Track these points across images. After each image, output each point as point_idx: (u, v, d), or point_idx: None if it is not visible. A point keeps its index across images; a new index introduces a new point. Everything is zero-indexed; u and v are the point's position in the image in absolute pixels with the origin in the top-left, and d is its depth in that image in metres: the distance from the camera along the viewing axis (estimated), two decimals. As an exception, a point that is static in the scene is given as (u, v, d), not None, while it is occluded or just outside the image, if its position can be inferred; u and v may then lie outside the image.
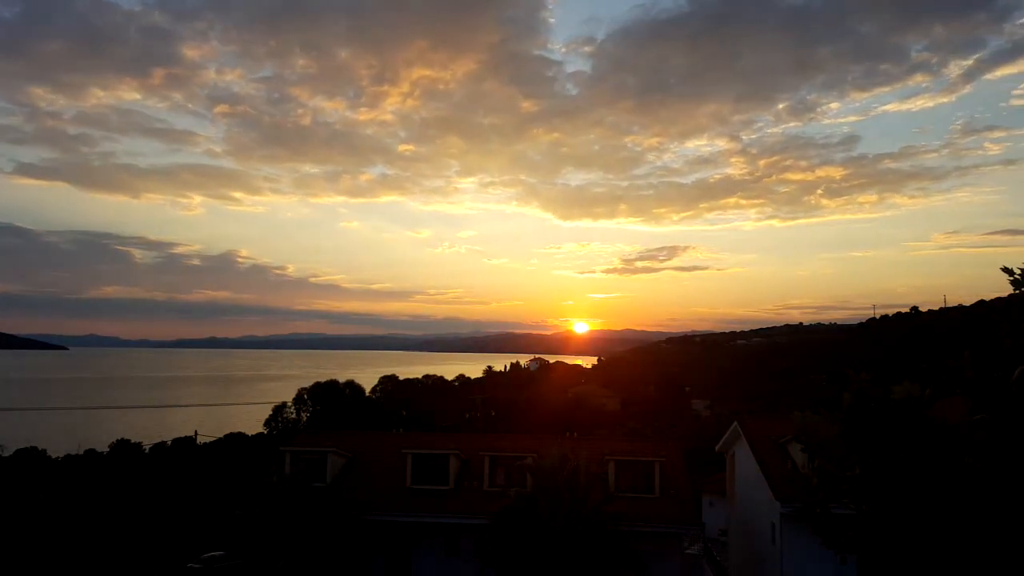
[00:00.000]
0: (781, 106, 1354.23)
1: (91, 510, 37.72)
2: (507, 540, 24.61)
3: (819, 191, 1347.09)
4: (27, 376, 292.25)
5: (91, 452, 57.97)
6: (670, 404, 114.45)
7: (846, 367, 13.52)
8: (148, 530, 36.69)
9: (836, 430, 12.28)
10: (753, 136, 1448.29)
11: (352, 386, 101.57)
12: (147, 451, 60.73)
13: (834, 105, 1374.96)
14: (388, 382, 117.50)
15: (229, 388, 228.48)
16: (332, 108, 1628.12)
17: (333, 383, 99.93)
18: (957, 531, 10.84)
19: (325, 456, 31.18)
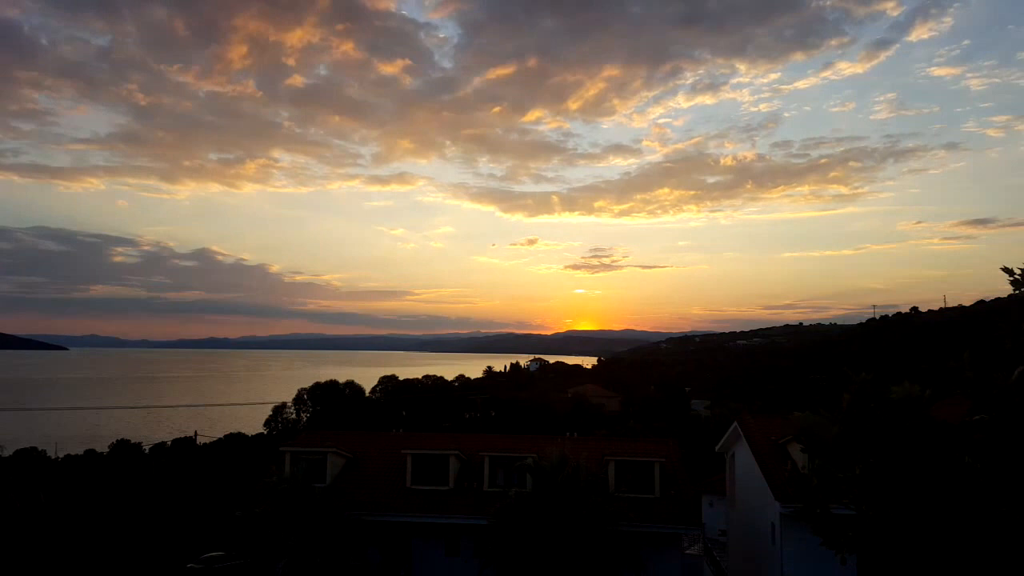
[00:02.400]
0: (690, 81, 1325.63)
1: (91, 510, 37.71)
2: (507, 540, 24.61)
3: (749, 184, 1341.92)
4: (27, 376, 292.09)
5: (91, 452, 58.02)
6: (670, 404, 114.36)
7: (846, 367, 13.52)
8: (148, 530, 36.68)
9: (836, 430, 12.28)
10: (666, 118, 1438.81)
11: (352, 386, 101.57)
12: (147, 451, 60.76)
13: (742, 78, 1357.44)
14: (388, 382, 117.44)
15: (229, 388, 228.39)
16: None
17: (333, 383, 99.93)
18: (957, 531, 10.84)
19: (325, 456, 31.16)
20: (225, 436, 63.99)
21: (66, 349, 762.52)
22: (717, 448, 37.35)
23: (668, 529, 27.90)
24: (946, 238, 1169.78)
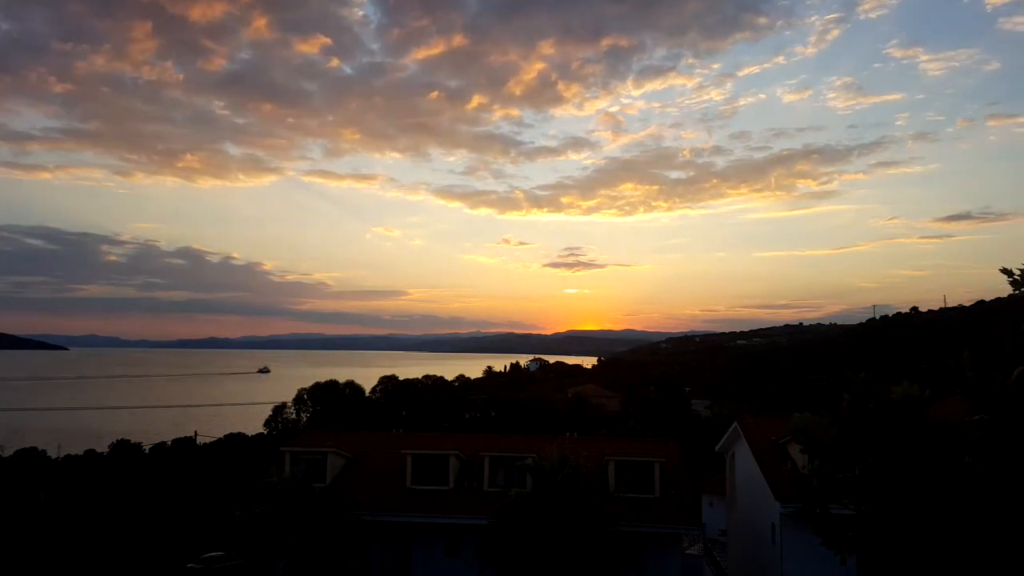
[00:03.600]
0: (635, 65, 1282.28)
1: (91, 510, 37.72)
2: (507, 540, 24.62)
3: (714, 180, 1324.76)
4: (27, 376, 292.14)
5: (91, 452, 58.03)
6: (670, 404, 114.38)
7: (846, 367, 13.52)
8: (148, 530, 36.68)
9: (836, 430, 12.27)
10: (616, 105, 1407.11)
11: (352, 386, 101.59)
12: (147, 451, 60.78)
13: (689, 59, 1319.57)
14: (388, 382, 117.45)
15: (229, 388, 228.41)
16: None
17: (333, 383, 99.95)
18: (957, 531, 10.84)
19: (325, 456, 31.17)
20: (225, 436, 63.97)
21: (66, 349, 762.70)
22: (717, 448, 37.35)
23: (668, 529, 27.91)
24: (925, 236, 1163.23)
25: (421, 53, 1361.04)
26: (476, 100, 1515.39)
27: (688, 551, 36.15)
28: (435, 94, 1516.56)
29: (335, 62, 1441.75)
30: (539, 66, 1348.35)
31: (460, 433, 50.48)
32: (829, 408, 12.86)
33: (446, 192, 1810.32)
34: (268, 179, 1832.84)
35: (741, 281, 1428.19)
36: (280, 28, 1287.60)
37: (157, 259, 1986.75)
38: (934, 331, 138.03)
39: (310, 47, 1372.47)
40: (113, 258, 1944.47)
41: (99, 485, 43.75)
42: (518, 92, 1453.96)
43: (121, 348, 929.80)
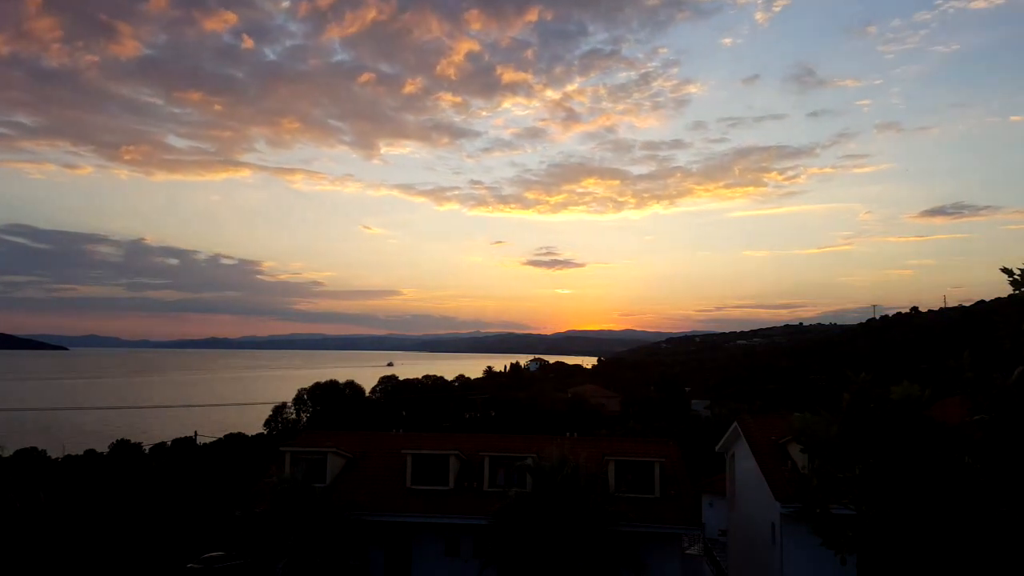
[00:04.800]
0: (573, 44, 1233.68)
1: (91, 510, 37.71)
2: (507, 540, 24.62)
3: (678, 173, 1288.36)
4: (27, 376, 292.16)
5: (91, 452, 57.98)
6: (670, 404, 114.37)
7: (846, 367, 13.53)
8: (148, 530, 36.68)
9: (836, 430, 12.28)
10: (561, 90, 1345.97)
11: (352, 386, 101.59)
12: (147, 451, 60.75)
13: (627, 35, 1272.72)
14: (388, 382, 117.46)
15: (229, 387, 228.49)
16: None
17: (333, 383, 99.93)
18: (957, 531, 10.84)
19: (325, 456, 31.17)
20: (225, 436, 63.94)
21: (66, 349, 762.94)
22: (717, 448, 37.35)
23: (668, 529, 27.90)
24: (905, 234, 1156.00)
25: (335, 31, 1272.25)
26: (411, 85, 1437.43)
27: (688, 551, 36.16)
28: (365, 77, 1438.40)
29: (249, 42, 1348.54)
30: (467, 44, 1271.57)
31: (460, 433, 50.47)
32: (829, 408, 12.88)
33: (408, 188, 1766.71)
34: (221, 175, 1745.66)
35: (730, 281, 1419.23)
36: (181, 2, 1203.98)
37: (146, 258, 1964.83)
38: (934, 331, 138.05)
39: (216, 24, 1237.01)
40: (100, 256, 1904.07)
41: (99, 485, 43.73)
42: (452, 74, 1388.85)
43: (122, 348, 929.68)
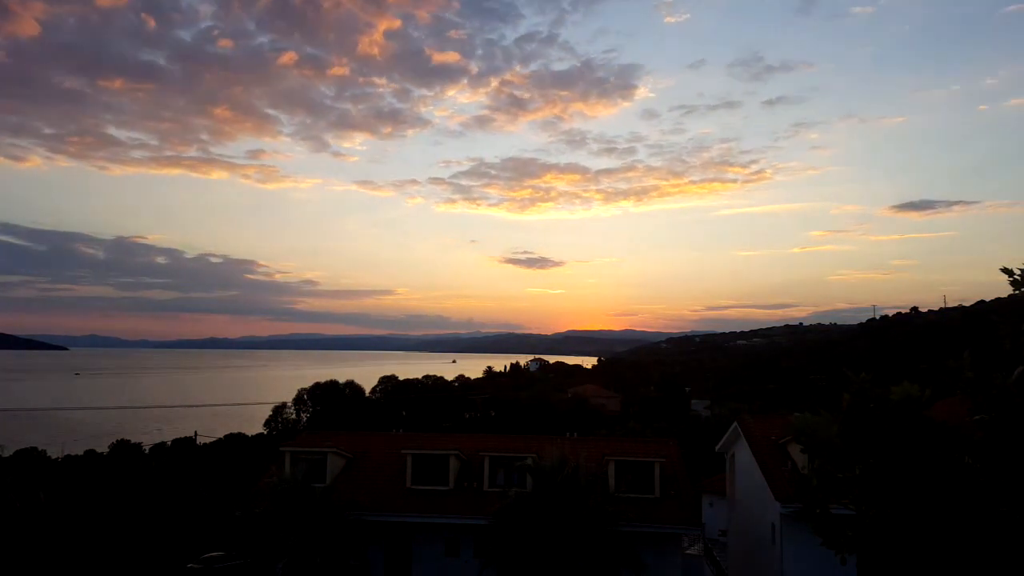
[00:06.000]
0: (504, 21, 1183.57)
1: (91, 510, 37.71)
2: (507, 540, 24.61)
3: (639, 167, 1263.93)
4: (27, 376, 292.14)
5: (91, 452, 57.95)
6: (670, 404, 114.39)
7: (846, 367, 13.53)
8: (148, 530, 36.68)
9: (836, 430, 12.28)
10: (502, 71, 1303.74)
11: (352, 386, 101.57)
12: (147, 451, 60.72)
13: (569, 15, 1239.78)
14: (388, 382, 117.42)
15: (229, 387, 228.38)
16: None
17: (333, 383, 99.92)
18: (957, 531, 10.84)
19: (325, 456, 31.17)
20: (225, 436, 63.95)
21: (66, 349, 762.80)
22: (717, 448, 37.34)
23: (668, 529, 27.90)
24: (885, 232, 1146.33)
25: (238, 7, 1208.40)
26: (337, 69, 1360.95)
27: (688, 551, 36.15)
28: (287, 57, 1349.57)
29: (151, 22, 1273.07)
30: (388, 20, 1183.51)
31: (460, 433, 50.46)
32: (829, 408, 12.88)
33: (366, 182, 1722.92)
34: (175, 170, 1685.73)
35: (717, 280, 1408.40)
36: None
37: (133, 258, 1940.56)
38: (934, 331, 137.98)
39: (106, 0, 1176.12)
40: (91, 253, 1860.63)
41: (99, 485, 43.72)
42: (378, 53, 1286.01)
43: (122, 349, 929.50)
